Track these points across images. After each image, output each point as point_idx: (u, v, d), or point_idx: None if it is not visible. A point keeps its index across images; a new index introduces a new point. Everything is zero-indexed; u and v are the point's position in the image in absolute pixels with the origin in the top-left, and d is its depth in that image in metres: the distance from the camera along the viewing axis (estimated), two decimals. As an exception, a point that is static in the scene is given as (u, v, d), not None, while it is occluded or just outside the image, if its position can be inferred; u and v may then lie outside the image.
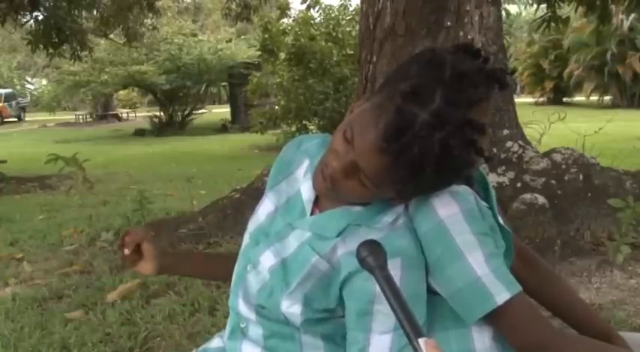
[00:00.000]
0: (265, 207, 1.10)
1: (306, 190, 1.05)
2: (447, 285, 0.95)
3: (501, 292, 0.92)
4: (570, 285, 1.37)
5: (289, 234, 1.02)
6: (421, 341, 0.71)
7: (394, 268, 0.91)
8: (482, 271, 0.93)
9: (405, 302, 0.76)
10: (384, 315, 0.92)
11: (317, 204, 1.03)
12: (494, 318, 0.94)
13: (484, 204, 1.02)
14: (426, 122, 0.83)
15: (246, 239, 1.11)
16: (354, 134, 0.89)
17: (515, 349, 0.97)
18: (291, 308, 0.97)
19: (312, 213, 1.03)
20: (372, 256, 0.81)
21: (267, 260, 1.02)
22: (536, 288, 1.18)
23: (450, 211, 0.94)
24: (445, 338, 1.00)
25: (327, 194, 0.98)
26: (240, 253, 1.12)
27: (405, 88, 0.85)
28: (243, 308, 1.06)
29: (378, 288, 0.83)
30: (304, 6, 10.14)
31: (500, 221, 1.05)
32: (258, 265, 1.04)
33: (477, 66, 0.89)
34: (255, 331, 1.04)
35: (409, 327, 0.73)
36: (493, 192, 1.11)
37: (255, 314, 1.04)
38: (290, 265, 0.99)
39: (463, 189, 0.99)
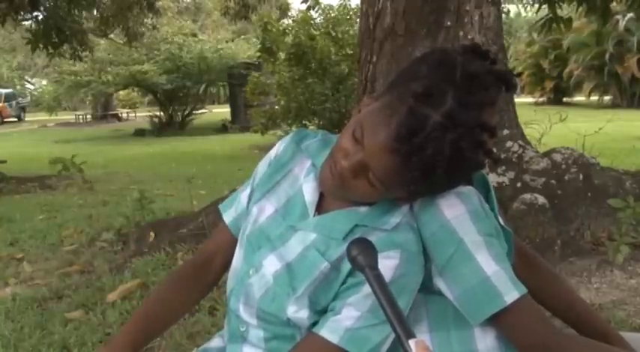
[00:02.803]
0: (265, 210, 1.07)
1: (309, 191, 1.03)
2: (457, 285, 0.95)
3: (510, 291, 0.93)
4: (570, 285, 1.37)
5: (291, 237, 1.01)
6: (412, 342, 0.71)
7: (393, 257, 0.92)
8: (491, 270, 0.93)
9: (395, 302, 0.76)
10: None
11: (318, 206, 1.02)
12: (501, 318, 0.94)
13: (486, 205, 1.03)
14: (438, 123, 0.83)
15: (242, 240, 1.09)
16: (364, 133, 0.89)
17: (519, 350, 0.97)
18: (299, 313, 0.97)
19: (313, 216, 1.02)
20: (363, 255, 0.81)
21: (271, 264, 1.01)
22: (537, 288, 1.18)
23: (457, 212, 0.95)
24: (447, 339, 1.00)
25: (334, 193, 0.98)
26: (237, 257, 1.10)
27: (417, 88, 0.85)
28: (243, 313, 1.05)
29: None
30: (304, 6, 10.15)
31: (501, 221, 1.05)
32: (261, 269, 1.02)
33: (486, 67, 0.89)
34: (256, 334, 1.04)
35: (400, 328, 0.73)
36: (494, 193, 1.11)
37: (256, 319, 1.03)
38: (295, 270, 0.98)
39: (468, 189, 0.99)
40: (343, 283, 0.95)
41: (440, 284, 0.97)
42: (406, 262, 0.93)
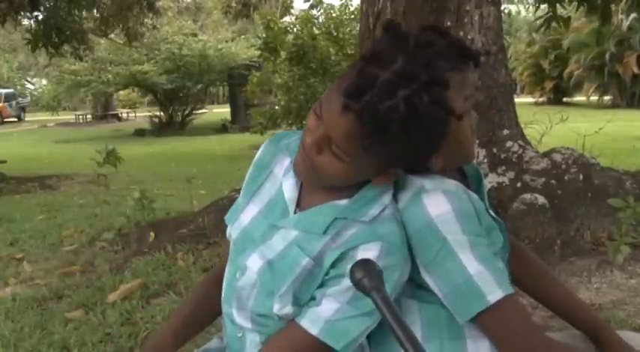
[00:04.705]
0: (249, 212, 1.08)
1: (289, 188, 1.03)
2: (443, 284, 0.95)
3: (494, 291, 0.92)
4: (561, 281, 1.39)
5: (274, 235, 1.01)
6: None
7: (373, 249, 0.92)
8: (474, 270, 0.93)
9: (403, 323, 0.75)
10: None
11: (299, 203, 1.03)
12: (484, 318, 0.94)
13: (475, 196, 1.03)
14: (388, 80, 0.83)
15: (231, 246, 1.11)
16: (322, 107, 0.90)
17: None
18: (283, 310, 0.97)
19: (294, 213, 1.03)
20: (368, 277, 0.79)
21: (255, 263, 1.02)
22: (531, 284, 1.20)
23: (441, 210, 0.94)
24: (440, 349, 0.99)
25: (308, 177, 0.98)
26: (228, 261, 1.11)
27: (367, 53, 0.87)
28: (238, 317, 1.05)
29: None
30: (306, 5, 10.15)
31: (492, 213, 1.06)
32: (247, 270, 1.03)
33: (445, 41, 0.91)
34: (253, 339, 1.04)
35: (410, 347, 0.72)
36: (485, 187, 1.11)
37: (250, 322, 1.03)
38: (277, 267, 0.99)
39: (456, 186, 0.98)
40: (326, 274, 0.96)
41: (427, 280, 0.97)
42: (387, 254, 0.92)
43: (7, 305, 2.84)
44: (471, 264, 0.93)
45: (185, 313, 1.19)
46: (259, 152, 1.13)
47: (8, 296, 3.01)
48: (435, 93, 0.84)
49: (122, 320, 2.59)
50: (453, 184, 0.99)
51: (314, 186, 1.00)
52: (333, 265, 0.94)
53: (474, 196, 1.03)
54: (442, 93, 0.84)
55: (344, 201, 0.98)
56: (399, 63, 0.84)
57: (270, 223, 1.03)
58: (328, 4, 11.07)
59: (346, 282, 0.92)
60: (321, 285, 0.96)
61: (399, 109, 0.82)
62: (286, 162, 1.07)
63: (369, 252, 0.92)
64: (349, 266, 0.86)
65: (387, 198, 0.98)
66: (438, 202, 0.95)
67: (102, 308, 2.73)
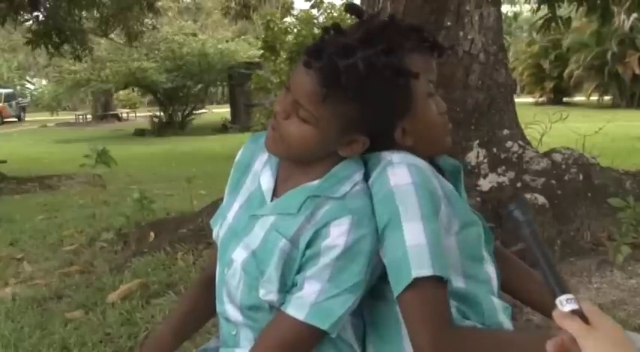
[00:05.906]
0: (233, 210, 1.11)
1: (266, 180, 1.07)
2: (386, 255, 0.94)
3: (422, 267, 0.89)
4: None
5: (254, 225, 1.04)
6: (563, 297, 0.74)
7: (344, 223, 0.94)
8: (413, 242, 0.91)
9: (550, 258, 0.79)
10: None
11: (275, 193, 1.06)
12: (404, 296, 0.90)
13: (450, 186, 1.03)
14: (347, 44, 0.90)
15: (218, 245, 1.12)
16: (291, 78, 0.96)
17: (410, 338, 0.92)
18: (268, 296, 0.98)
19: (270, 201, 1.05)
20: (520, 209, 0.79)
21: (239, 256, 1.03)
22: (517, 288, 1.20)
23: (401, 181, 0.95)
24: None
25: (278, 150, 1.01)
26: (217, 261, 1.13)
27: (331, 25, 0.96)
28: (231, 313, 1.06)
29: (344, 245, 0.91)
30: (307, 5, 10.16)
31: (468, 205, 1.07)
32: (232, 264, 1.05)
33: (406, 25, 0.98)
34: (246, 335, 1.05)
35: (554, 283, 0.77)
36: (463, 184, 1.12)
37: (242, 317, 1.04)
38: (260, 254, 1.00)
39: (423, 165, 0.98)
40: (303, 256, 0.97)
41: (380, 253, 0.96)
42: (357, 226, 0.94)
43: (7, 305, 2.84)
44: (412, 236, 0.91)
45: (182, 312, 1.20)
46: (239, 153, 1.17)
47: (8, 296, 3.01)
48: (392, 56, 0.90)
49: (122, 320, 2.59)
50: (421, 162, 0.99)
51: (285, 164, 1.04)
52: (308, 245, 0.96)
53: (446, 183, 1.02)
54: (400, 57, 0.91)
55: (316, 181, 1.01)
56: (359, 34, 0.91)
57: (250, 214, 1.06)
58: (329, 3, 11.08)
59: (323, 260, 0.93)
60: (301, 269, 0.97)
61: (358, 67, 0.88)
62: (264, 158, 1.10)
63: (340, 226, 0.94)
64: (323, 244, 0.91)
65: (358, 176, 1.00)
66: (400, 173, 0.95)
67: (102, 308, 2.73)
